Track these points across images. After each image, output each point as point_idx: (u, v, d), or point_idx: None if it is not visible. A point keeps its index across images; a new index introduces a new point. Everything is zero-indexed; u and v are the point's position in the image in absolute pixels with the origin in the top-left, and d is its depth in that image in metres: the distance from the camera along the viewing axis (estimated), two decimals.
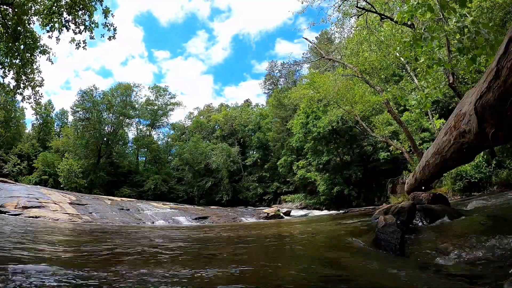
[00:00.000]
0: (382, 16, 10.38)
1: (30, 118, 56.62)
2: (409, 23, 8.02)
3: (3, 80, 8.80)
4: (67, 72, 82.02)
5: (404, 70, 16.35)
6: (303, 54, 38.14)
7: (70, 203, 12.33)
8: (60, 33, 8.05)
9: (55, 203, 11.61)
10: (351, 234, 3.69)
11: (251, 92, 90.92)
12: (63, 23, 7.97)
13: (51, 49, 8.96)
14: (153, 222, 11.12)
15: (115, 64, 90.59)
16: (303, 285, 1.81)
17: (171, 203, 20.61)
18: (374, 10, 10.52)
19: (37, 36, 8.64)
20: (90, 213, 11.31)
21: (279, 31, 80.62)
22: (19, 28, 8.04)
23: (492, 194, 7.02)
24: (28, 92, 9.18)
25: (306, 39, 16.57)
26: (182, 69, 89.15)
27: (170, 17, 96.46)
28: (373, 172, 19.22)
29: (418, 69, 5.74)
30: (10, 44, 8.14)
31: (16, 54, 8.38)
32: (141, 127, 41.38)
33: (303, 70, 37.06)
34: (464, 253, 2.19)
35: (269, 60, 79.43)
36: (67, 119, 45.96)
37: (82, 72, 78.70)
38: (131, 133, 41.50)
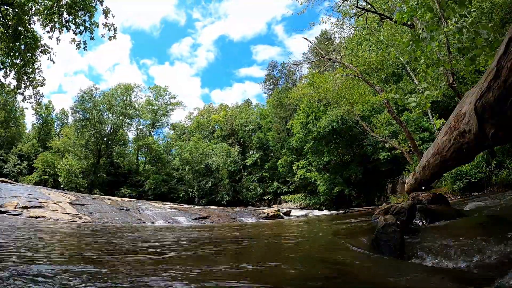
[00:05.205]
0: (382, 16, 10.39)
1: (30, 118, 56.86)
2: (408, 23, 8.03)
3: (5, 80, 8.82)
4: (58, 78, 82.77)
5: (404, 70, 16.36)
6: (303, 54, 38.23)
7: (70, 203, 12.34)
8: (60, 33, 8.07)
9: (55, 203, 11.61)
10: (351, 234, 3.69)
11: (239, 95, 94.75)
12: (63, 23, 7.99)
13: (52, 48, 8.99)
14: (153, 222, 11.12)
15: (104, 72, 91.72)
16: (302, 285, 1.81)
17: (171, 203, 20.62)
18: (374, 10, 10.53)
19: (38, 35, 8.66)
20: (90, 213, 11.31)
21: (258, 38, 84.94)
22: (19, 28, 8.05)
23: (492, 194, 7.02)
24: (29, 92, 9.21)
25: (306, 38, 16.58)
26: (170, 74, 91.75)
27: (153, 25, 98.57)
28: (373, 172, 19.21)
29: (418, 69, 5.74)
30: (11, 44, 8.16)
31: (17, 54, 8.40)
32: (141, 127, 41.42)
33: (303, 70, 37.12)
34: (464, 254, 2.19)
35: (249, 66, 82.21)
36: (67, 119, 46.03)
37: (73, 78, 79.83)
38: (131, 133, 41.57)
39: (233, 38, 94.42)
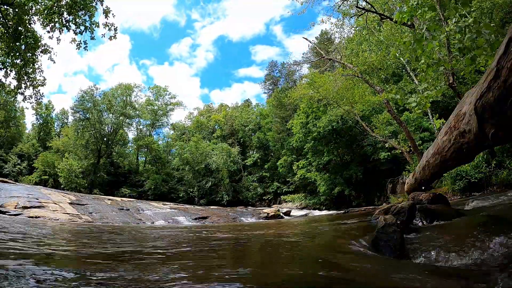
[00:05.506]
0: (382, 16, 10.39)
1: (30, 118, 56.96)
2: (409, 23, 8.03)
3: (5, 80, 8.82)
4: (58, 78, 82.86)
5: (404, 70, 16.36)
6: (303, 54, 38.22)
7: (70, 203, 12.34)
8: (60, 33, 8.08)
9: (55, 203, 11.61)
10: (351, 235, 3.69)
11: (238, 96, 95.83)
12: (64, 23, 7.99)
13: (52, 48, 8.99)
14: (153, 222, 11.12)
15: (104, 72, 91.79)
16: (302, 285, 1.81)
17: (171, 203, 20.62)
18: (374, 10, 10.53)
19: (38, 35, 8.66)
20: (90, 213, 11.31)
21: (257, 38, 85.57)
22: (20, 28, 8.06)
23: (492, 194, 7.01)
24: (29, 92, 9.21)
25: (306, 38, 16.58)
26: (169, 75, 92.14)
27: (153, 26, 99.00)
28: (373, 172, 19.21)
29: (418, 69, 5.75)
30: (12, 44, 8.16)
31: (17, 54, 8.40)
32: (141, 127, 41.43)
33: (303, 70, 37.13)
34: (464, 253, 2.19)
35: (248, 66, 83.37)
36: (67, 119, 46.06)
37: (73, 78, 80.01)
38: (131, 133, 41.58)
39: (232, 39, 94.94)
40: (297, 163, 25.11)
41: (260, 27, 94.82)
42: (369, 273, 2.06)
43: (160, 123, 42.45)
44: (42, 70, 9.23)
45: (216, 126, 41.96)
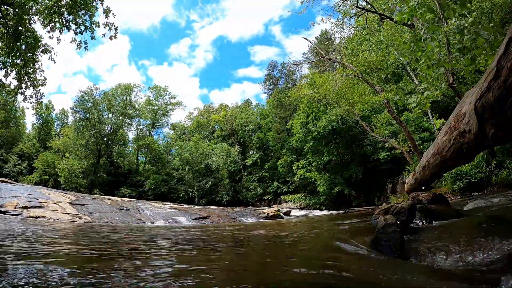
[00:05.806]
0: (382, 16, 10.39)
1: (30, 118, 57.10)
2: (409, 23, 8.03)
3: (5, 80, 8.83)
4: (58, 78, 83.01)
5: (404, 70, 16.37)
6: (303, 54, 38.24)
7: (70, 203, 12.34)
8: (60, 33, 8.09)
9: (55, 203, 11.61)
10: (350, 235, 3.69)
11: (237, 96, 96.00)
12: (64, 23, 8.00)
13: (52, 48, 9.00)
14: (153, 222, 11.12)
15: (103, 73, 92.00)
16: (302, 286, 1.81)
17: (171, 203, 20.63)
18: (374, 10, 10.53)
19: (38, 35, 8.67)
20: (90, 213, 11.31)
21: (256, 39, 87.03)
22: (20, 28, 8.06)
23: (492, 194, 7.01)
24: (29, 91, 9.22)
25: (306, 38, 16.58)
26: (168, 75, 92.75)
27: (152, 26, 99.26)
28: (373, 172, 19.21)
29: (418, 69, 5.75)
30: (12, 44, 8.17)
31: (17, 54, 8.41)
32: (141, 127, 41.45)
33: (303, 70, 37.14)
34: (464, 254, 2.19)
35: (247, 66, 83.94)
36: (67, 119, 46.10)
37: (72, 78, 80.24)
38: (131, 133, 41.62)
39: (231, 39, 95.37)
40: (297, 163, 25.12)
41: (259, 27, 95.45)
42: (369, 273, 2.06)
43: (160, 123, 42.50)
44: (42, 70, 9.25)
45: (216, 126, 41.99)
